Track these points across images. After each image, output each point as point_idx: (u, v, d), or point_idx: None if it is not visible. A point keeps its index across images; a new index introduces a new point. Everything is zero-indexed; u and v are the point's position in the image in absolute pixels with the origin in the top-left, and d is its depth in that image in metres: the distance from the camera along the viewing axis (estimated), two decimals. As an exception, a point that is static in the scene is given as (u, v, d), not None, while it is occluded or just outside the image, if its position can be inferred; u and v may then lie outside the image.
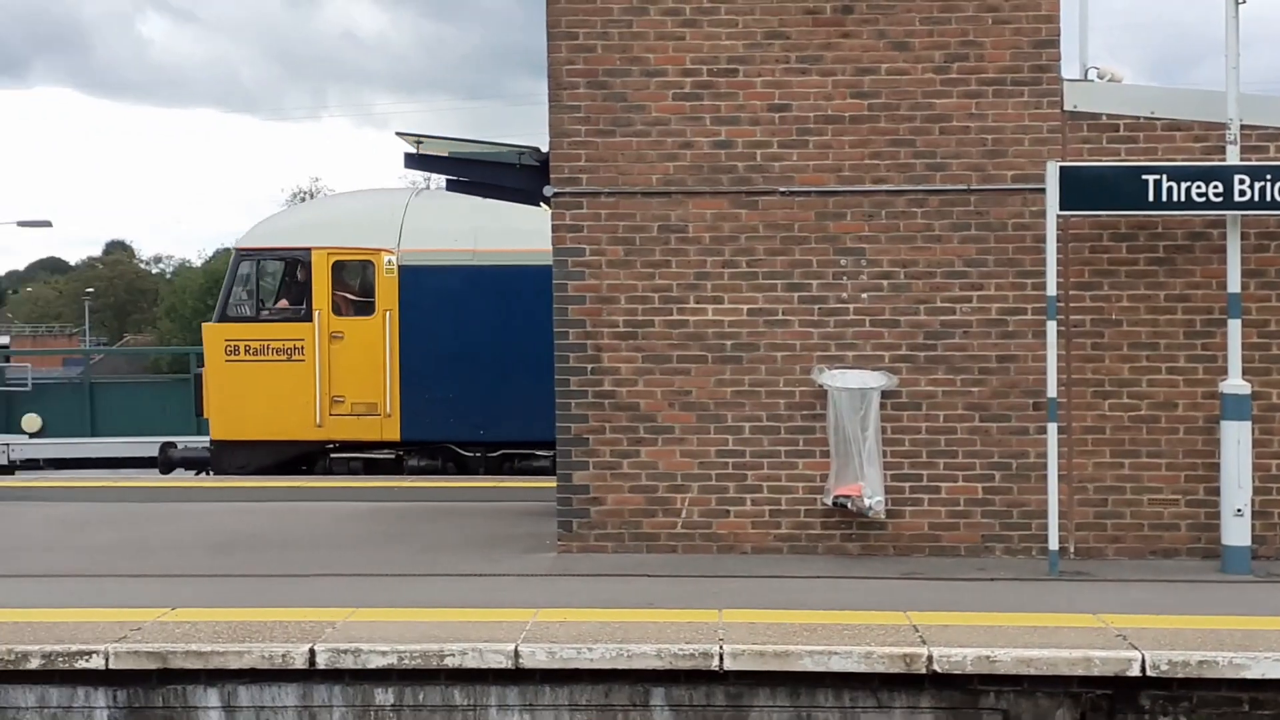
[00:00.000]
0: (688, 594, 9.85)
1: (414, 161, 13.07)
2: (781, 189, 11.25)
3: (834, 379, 11.14)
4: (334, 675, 8.43)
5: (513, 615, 9.16)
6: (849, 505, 11.06)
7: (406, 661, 8.39)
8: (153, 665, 8.40)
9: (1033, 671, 8.33)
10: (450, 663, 8.39)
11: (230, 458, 19.14)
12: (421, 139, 12.68)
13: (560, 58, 11.27)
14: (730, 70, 11.24)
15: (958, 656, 8.35)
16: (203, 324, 20.03)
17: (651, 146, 11.28)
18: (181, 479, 17.72)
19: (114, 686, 8.44)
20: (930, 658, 8.34)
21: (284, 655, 8.38)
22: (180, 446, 20.86)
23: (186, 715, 8.44)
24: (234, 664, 8.40)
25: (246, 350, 18.93)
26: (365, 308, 18.99)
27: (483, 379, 18.73)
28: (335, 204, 20.48)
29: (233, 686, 8.44)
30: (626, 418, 11.32)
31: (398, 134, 12.80)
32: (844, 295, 11.25)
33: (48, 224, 40.48)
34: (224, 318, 19.38)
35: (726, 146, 11.26)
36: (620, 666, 8.41)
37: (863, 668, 8.36)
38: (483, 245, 18.92)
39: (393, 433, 18.91)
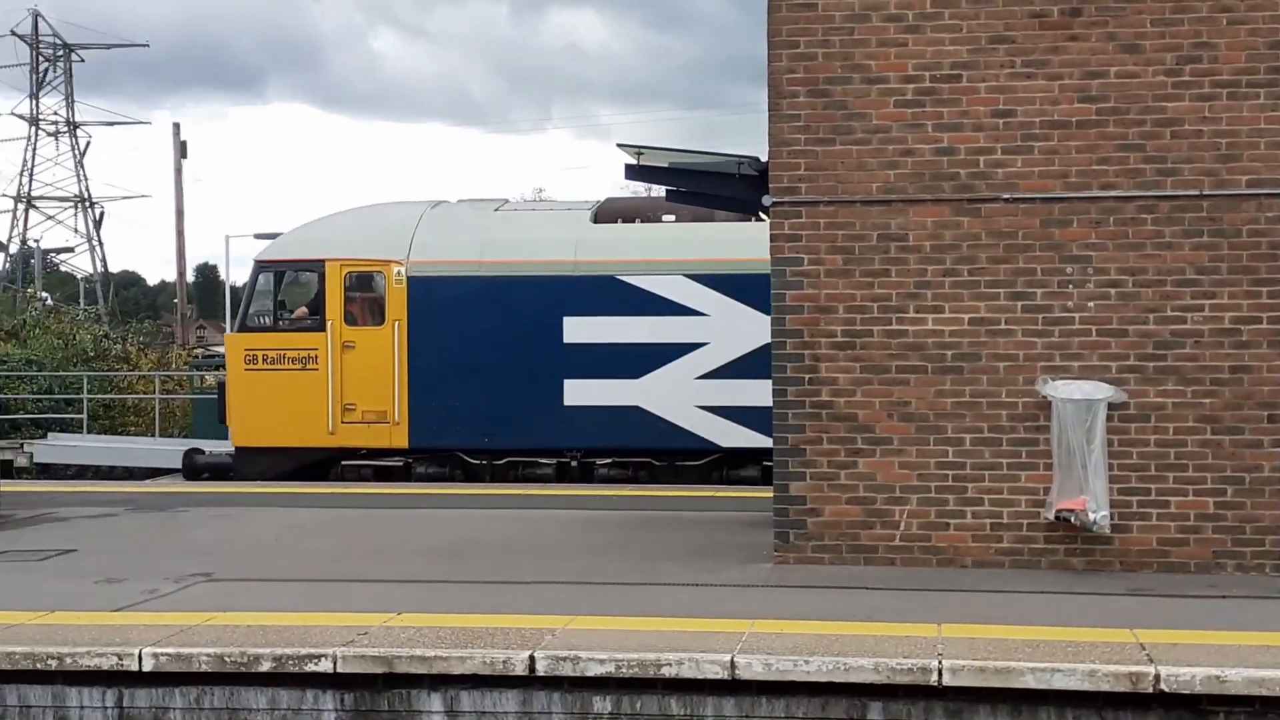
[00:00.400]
0: (906, 607, 9.69)
1: (634, 173, 13.16)
2: (1006, 195, 11.01)
3: (1059, 390, 10.85)
4: (553, 682, 8.50)
5: (729, 626, 9.12)
6: (1073, 519, 10.76)
7: (624, 670, 8.42)
8: (379, 669, 8.58)
9: (1265, 692, 7.97)
10: (667, 672, 8.39)
11: (251, 464, 19.64)
12: (642, 150, 12.75)
13: (781, 66, 11.21)
14: (953, 76, 11.04)
15: (1186, 676, 8.04)
16: (225, 334, 20.48)
17: (872, 154, 11.15)
18: (403, 486, 18.09)
19: (342, 690, 8.65)
20: (1158, 676, 8.05)
21: (505, 662, 8.49)
22: (207, 453, 21.31)
23: (410, 719, 8.60)
24: (456, 669, 8.53)
25: (264, 359, 19.45)
26: (376, 318, 19.33)
27: (488, 388, 18.89)
28: (352, 218, 20.96)
29: (455, 691, 8.58)
30: (844, 428, 11.19)
31: (619, 145, 12.89)
32: (1069, 304, 10.95)
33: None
34: (244, 328, 19.99)
35: (949, 153, 11.06)
36: (837, 680, 8.30)
37: (1087, 686, 8.11)
38: (489, 257, 19.11)
39: (401, 440, 19.20)
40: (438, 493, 16.71)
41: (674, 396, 18.48)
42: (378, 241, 19.44)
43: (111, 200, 75.65)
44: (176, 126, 44.68)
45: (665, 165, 13.15)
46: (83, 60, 74.41)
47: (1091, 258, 10.93)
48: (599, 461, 18.98)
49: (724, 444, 18.73)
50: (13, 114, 73.55)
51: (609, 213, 19.61)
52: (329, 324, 19.19)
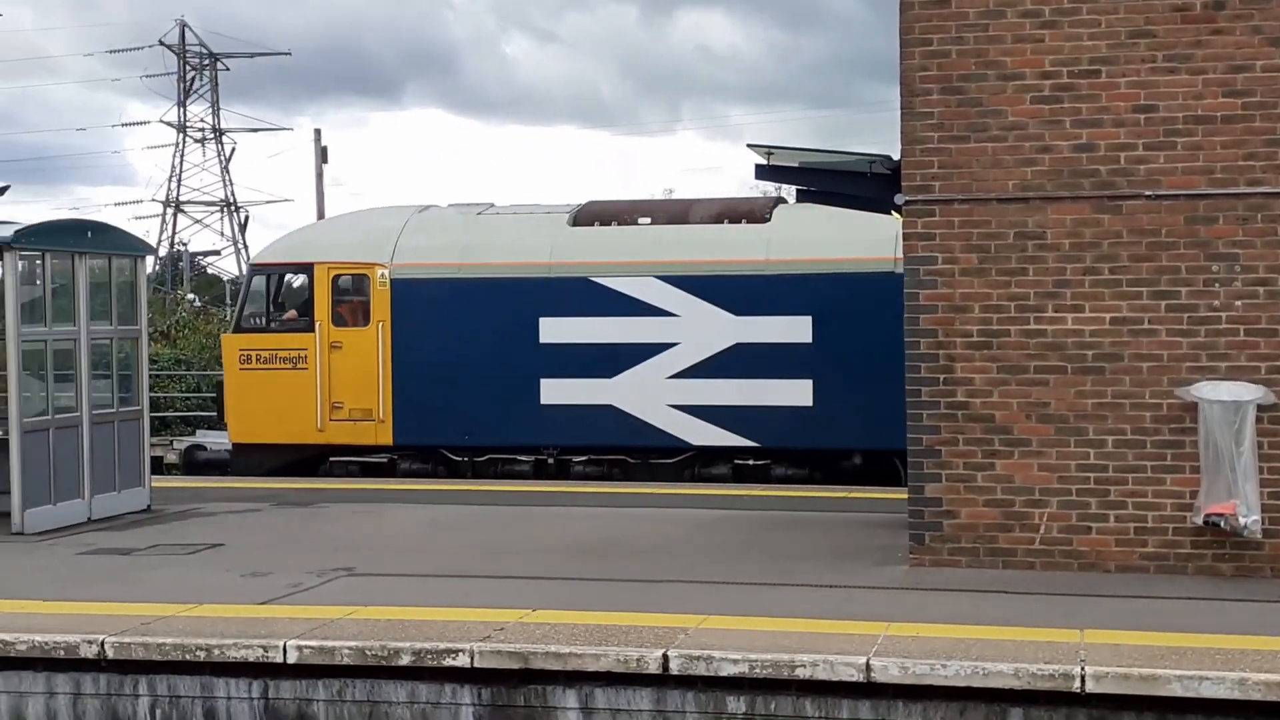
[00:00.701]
0: (1047, 612, 9.55)
1: (764, 173, 13.14)
2: (1148, 193, 10.79)
3: (1205, 391, 10.60)
4: (687, 681, 8.53)
5: (864, 628, 9.07)
6: (1222, 524, 10.51)
7: (758, 671, 8.42)
8: (515, 665, 8.68)
9: None
10: (801, 674, 8.36)
11: (246, 460, 20.15)
12: (772, 150, 12.72)
13: (913, 64, 11.11)
14: (1092, 71, 10.86)
15: (1344, 688, 7.82)
16: (221, 335, 20.91)
17: (1008, 152, 11.00)
18: (541, 484, 18.25)
19: (479, 684, 8.76)
20: (1313, 688, 7.83)
21: (638, 660, 8.53)
22: (208, 449, 22.02)
23: (546, 715, 8.69)
24: (591, 666, 8.59)
25: (258, 359, 19.93)
26: (362, 319, 19.64)
27: (468, 387, 19.11)
28: (341, 223, 21.50)
29: (590, 688, 8.64)
30: (980, 429, 11.06)
31: (749, 146, 12.88)
32: (1216, 303, 10.71)
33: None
34: (239, 329, 20.52)
35: (1088, 150, 10.88)
36: (976, 685, 8.21)
37: (1236, 695, 7.92)
38: (469, 260, 19.29)
39: (386, 437, 19.52)
40: (575, 490, 16.82)
41: (646, 395, 18.63)
42: (363, 245, 19.87)
43: (255, 204, 77.31)
44: (318, 132, 45.56)
45: (795, 165, 13.11)
46: (227, 69, 76.25)
47: (1238, 255, 10.67)
48: (574, 459, 19.23)
49: (695, 442, 18.81)
50: (161, 121, 75.71)
51: (587, 216, 19.72)
52: (317, 325, 19.67)
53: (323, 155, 45.08)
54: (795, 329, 18.19)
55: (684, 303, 18.62)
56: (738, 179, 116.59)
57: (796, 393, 18.21)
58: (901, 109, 11.15)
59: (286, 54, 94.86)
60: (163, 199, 75.42)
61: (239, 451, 20.43)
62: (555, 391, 18.98)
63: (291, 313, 20.43)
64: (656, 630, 9.04)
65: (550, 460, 19.35)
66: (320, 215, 44.43)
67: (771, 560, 11.83)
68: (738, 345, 18.48)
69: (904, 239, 11.27)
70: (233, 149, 78.62)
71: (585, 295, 18.86)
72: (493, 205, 20.75)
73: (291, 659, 8.85)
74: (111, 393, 15.23)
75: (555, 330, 18.93)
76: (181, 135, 75.24)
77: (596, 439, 18.99)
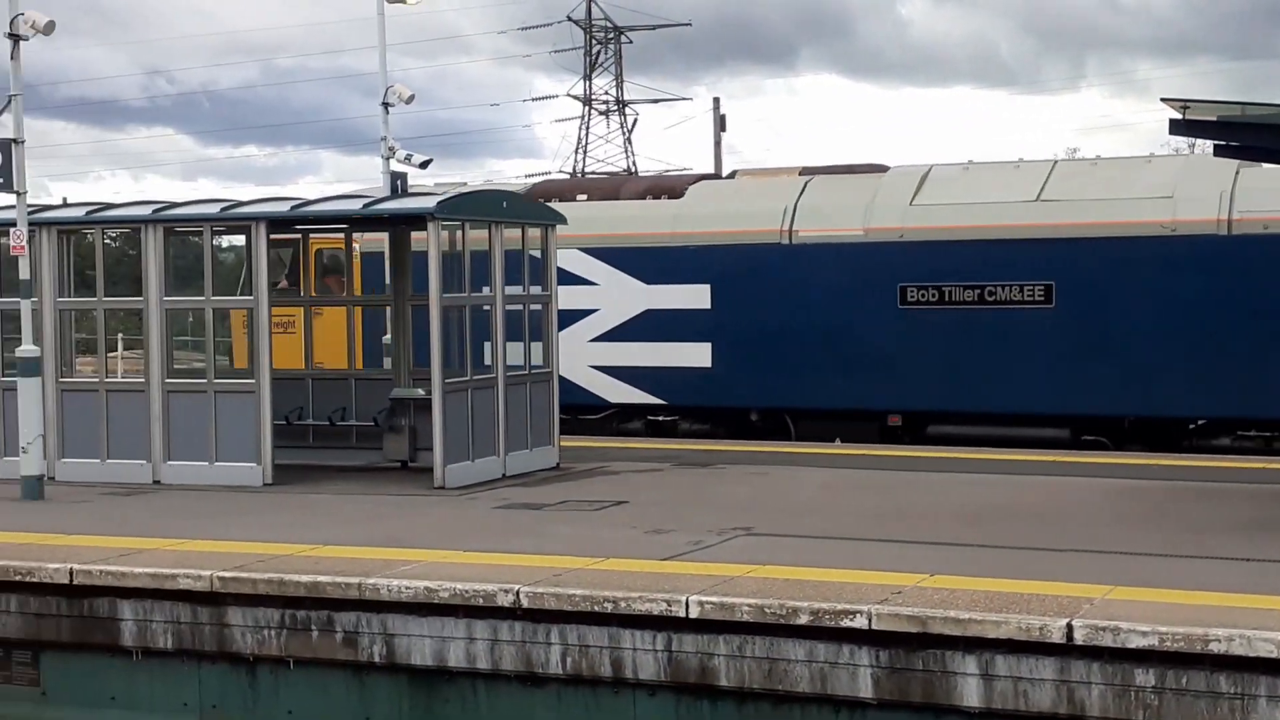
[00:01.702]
0: None
1: (1180, 128, 12.56)
2: None
3: None
4: (1091, 652, 8.30)
5: (1284, 604, 8.62)
6: None
7: (1167, 644, 8.12)
8: (912, 629, 8.65)
9: None
10: (1215, 648, 8.02)
11: None
12: (1188, 104, 12.13)
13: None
14: None
15: None
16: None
17: None
18: (930, 449, 18.04)
19: (876, 646, 8.78)
20: None
21: (1041, 629, 8.37)
22: None
23: (945, 680, 8.63)
24: (990, 634, 8.48)
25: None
26: (342, 288, 20.27)
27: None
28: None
29: (990, 655, 8.53)
30: None
31: (1162, 100, 12.33)
32: None
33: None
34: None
35: None
36: None
37: None
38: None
39: None
40: (959, 457, 16.57)
41: (572, 358, 19.39)
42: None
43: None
44: (716, 101, 46.29)
45: (1214, 119, 12.46)
46: (630, 42, 78.14)
47: None
48: None
49: (613, 400, 20.35)
50: (568, 95, 78.25)
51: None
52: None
53: (721, 124, 45.74)
54: (696, 296, 19.63)
55: (603, 273, 20.35)
56: (1146, 136, 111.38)
57: (698, 355, 19.64)
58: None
59: (687, 25, 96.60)
60: (569, 170, 78.15)
61: None
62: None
63: (283, 282, 21.50)
64: (1060, 599, 8.83)
65: None
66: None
67: (1181, 532, 11.36)
68: (648, 311, 19.97)
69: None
70: (634, 120, 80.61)
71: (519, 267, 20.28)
72: (465, 185, 22.49)
73: (694, 614, 9.10)
74: (524, 355, 15.98)
75: None
76: (587, 108, 77.71)
77: None
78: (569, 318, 19.57)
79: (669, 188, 21.30)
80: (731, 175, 22.30)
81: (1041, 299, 17.98)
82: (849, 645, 8.85)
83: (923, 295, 18.49)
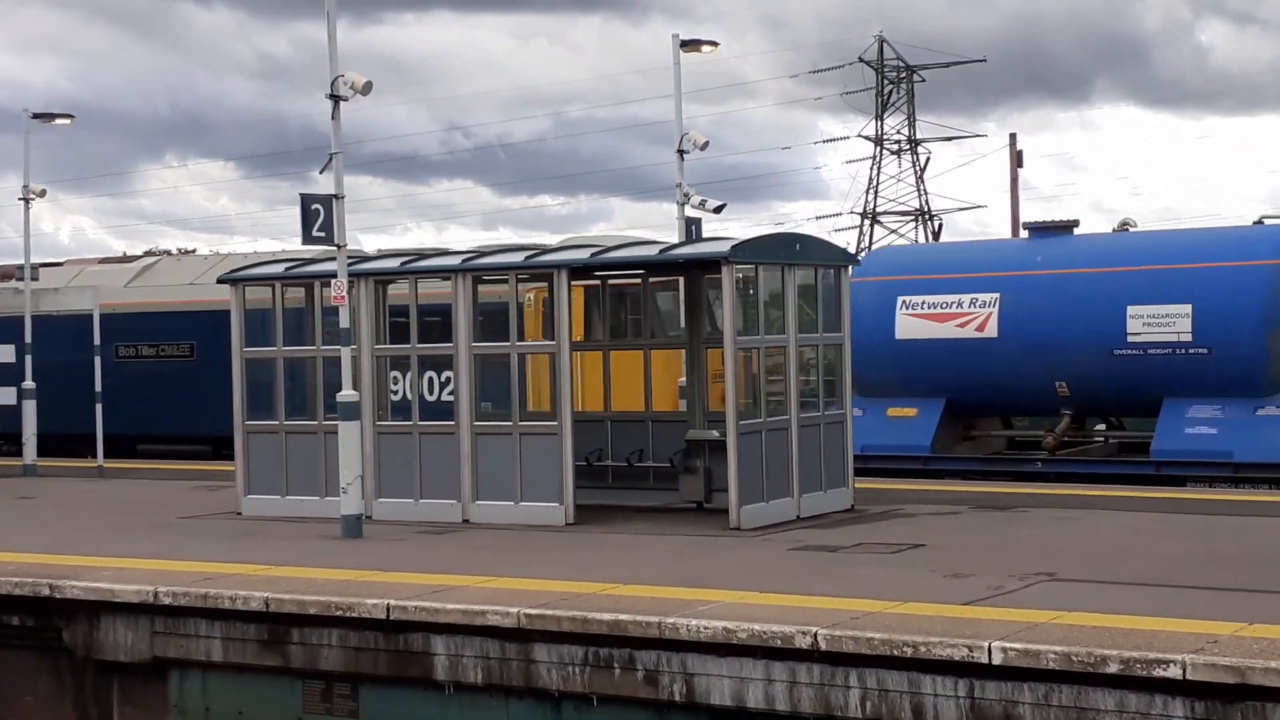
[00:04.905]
0: None
1: None
2: None
3: None
4: None
5: None
6: None
7: None
8: (1230, 679, 8.30)
9: None
10: None
11: None
12: None
13: None
14: None
15: None
16: None
17: None
18: (1245, 493, 17.25)
19: (1191, 697, 8.46)
20: None
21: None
22: None
23: (1266, 734, 8.26)
24: (1315, 686, 8.08)
25: None
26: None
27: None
28: None
29: (1314, 710, 8.12)
30: None
31: None
32: None
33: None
34: None
35: None
36: None
37: None
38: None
39: None
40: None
41: None
42: None
43: (947, 212, 77.95)
44: (1013, 137, 45.31)
45: None
46: (923, 80, 77.55)
47: None
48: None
49: None
50: (859, 135, 78.05)
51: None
52: None
53: (1017, 159, 44.88)
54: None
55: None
56: None
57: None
58: None
59: (982, 60, 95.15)
60: (860, 211, 77.79)
61: None
62: None
63: None
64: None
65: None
66: (1014, 220, 44.28)
67: None
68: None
69: None
70: (927, 159, 79.87)
71: None
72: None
73: (996, 660, 8.94)
74: (818, 397, 15.97)
75: None
76: (878, 148, 77.33)
77: None
78: None
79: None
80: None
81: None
82: (1162, 696, 8.55)
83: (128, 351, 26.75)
